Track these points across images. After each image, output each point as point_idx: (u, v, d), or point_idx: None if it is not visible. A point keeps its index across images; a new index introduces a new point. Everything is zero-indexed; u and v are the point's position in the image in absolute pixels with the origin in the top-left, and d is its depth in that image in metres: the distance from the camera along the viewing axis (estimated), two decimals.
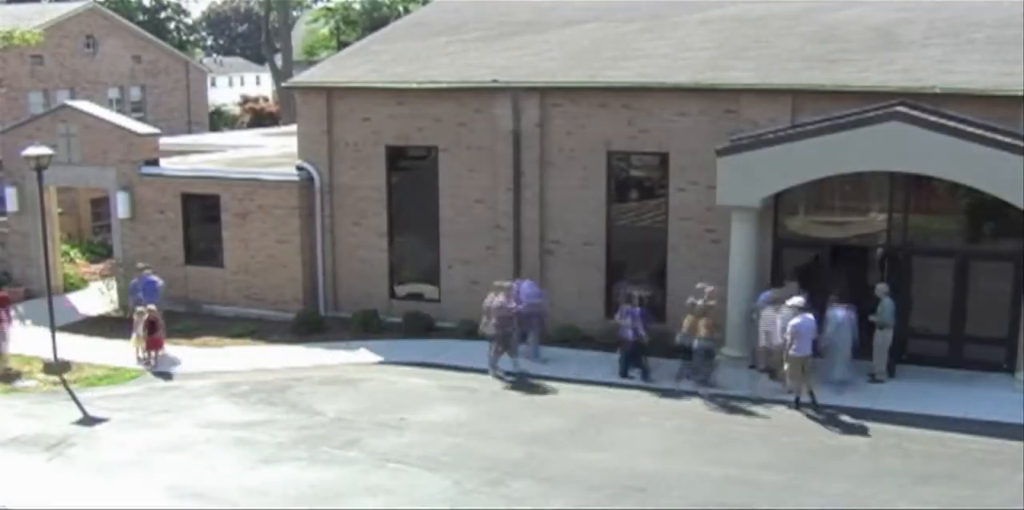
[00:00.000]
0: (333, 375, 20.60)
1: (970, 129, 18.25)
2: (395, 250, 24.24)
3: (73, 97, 40.91)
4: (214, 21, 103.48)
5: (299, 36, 73.24)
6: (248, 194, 24.72)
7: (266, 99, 65.51)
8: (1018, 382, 18.64)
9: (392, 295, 24.28)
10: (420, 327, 23.04)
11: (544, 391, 19.36)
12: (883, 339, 19.13)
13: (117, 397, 19.50)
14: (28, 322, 24.25)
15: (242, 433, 17.27)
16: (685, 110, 21.09)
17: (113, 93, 47.34)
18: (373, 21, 61.17)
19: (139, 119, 36.41)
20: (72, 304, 26.21)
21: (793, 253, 20.92)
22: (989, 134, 18.16)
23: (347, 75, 24.38)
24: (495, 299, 20.24)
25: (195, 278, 25.51)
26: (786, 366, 18.20)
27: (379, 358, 21.51)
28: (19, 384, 20.59)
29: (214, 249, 25.37)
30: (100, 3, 49.72)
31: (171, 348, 22.45)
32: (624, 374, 19.80)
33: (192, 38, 71.25)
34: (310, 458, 16.14)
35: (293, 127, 27.46)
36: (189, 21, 69.40)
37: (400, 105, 23.40)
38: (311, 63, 50.11)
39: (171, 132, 38.49)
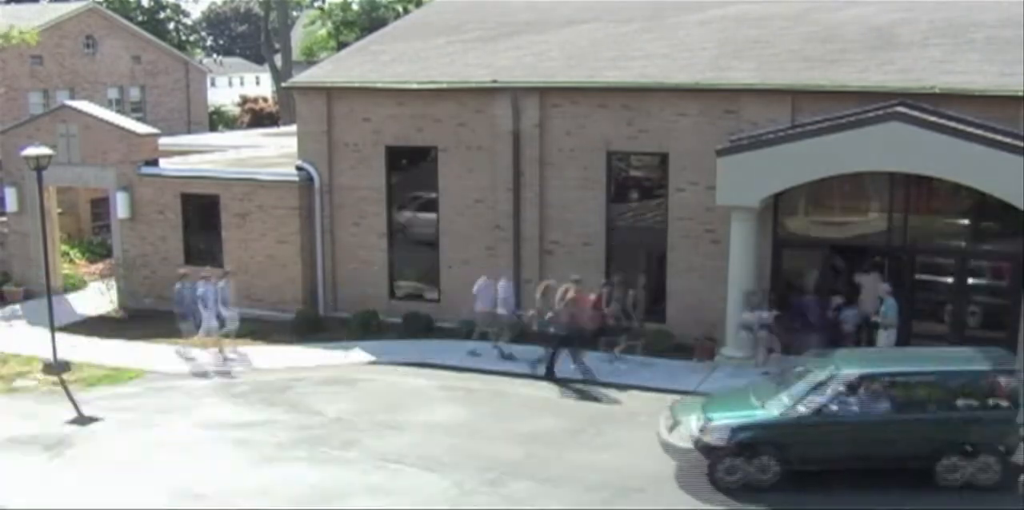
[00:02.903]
0: (333, 375, 20.59)
1: (970, 129, 18.25)
2: (395, 250, 24.24)
3: (73, 97, 40.89)
4: (214, 21, 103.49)
5: (298, 36, 73.15)
6: (247, 194, 24.72)
7: (266, 99, 65.46)
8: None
9: (392, 295, 24.28)
10: (420, 327, 23.03)
11: (544, 391, 19.35)
12: (887, 339, 19.11)
13: (117, 397, 19.49)
14: (26, 322, 24.27)
15: (242, 433, 17.26)
16: (685, 110, 21.09)
17: (113, 93, 47.28)
18: (372, 21, 61.11)
19: (139, 119, 36.39)
20: (72, 304, 26.20)
21: (792, 253, 20.98)
22: (989, 134, 18.16)
23: (347, 75, 24.38)
24: (568, 292, 20.01)
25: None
26: None
27: (379, 358, 21.50)
28: (19, 384, 20.58)
29: (213, 249, 25.35)
30: (99, 3, 49.69)
31: (170, 348, 22.45)
32: None
33: (192, 38, 71.13)
34: (310, 458, 16.13)
35: (293, 127, 27.45)
36: (188, 21, 69.33)
37: (400, 105, 23.40)
38: (310, 63, 50.06)
39: (171, 132, 38.49)
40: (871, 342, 19.30)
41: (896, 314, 19.03)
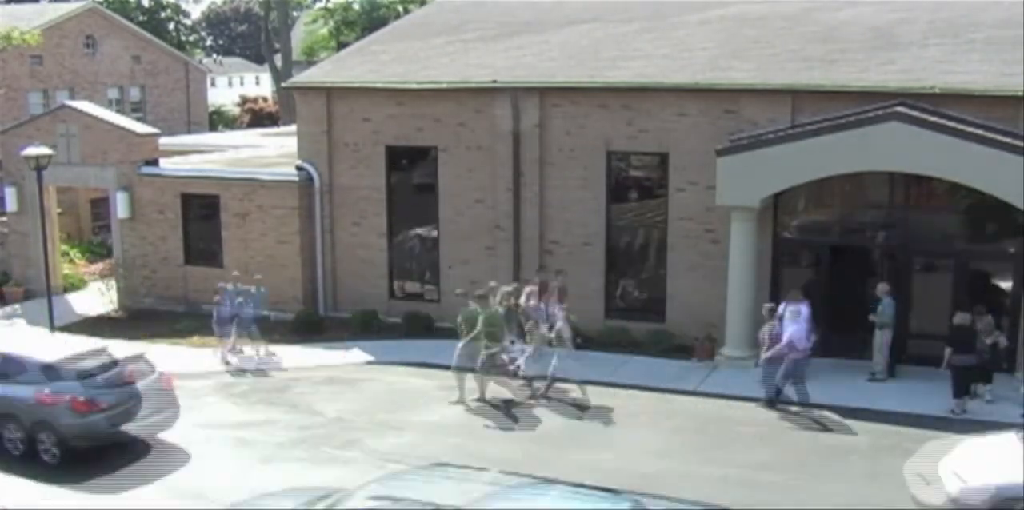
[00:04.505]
0: (333, 375, 20.59)
1: (970, 129, 18.26)
2: (395, 250, 24.25)
3: (73, 97, 40.90)
4: (214, 21, 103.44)
5: (298, 36, 73.18)
6: (247, 194, 24.72)
7: (265, 99, 65.48)
8: (1018, 382, 18.62)
9: (392, 295, 24.28)
10: (420, 327, 23.03)
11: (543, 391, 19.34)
12: (883, 339, 19.14)
13: None
14: (26, 322, 24.25)
15: (242, 433, 17.26)
16: (685, 110, 21.09)
17: (113, 93, 47.32)
18: (372, 21, 61.15)
19: (139, 119, 36.42)
20: (72, 304, 26.19)
21: (792, 253, 21.00)
22: (989, 134, 18.17)
23: (347, 75, 24.38)
24: None
25: (195, 278, 25.49)
26: None
27: (379, 358, 21.50)
28: None
29: (214, 249, 25.37)
30: (99, 3, 49.69)
31: (171, 348, 22.45)
32: None
33: (192, 38, 71.20)
34: (310, 458, 16.13)
35: (293, 127, 27.46)
36: (188, 21, 69.37)
37: (400, 105, 23.40)
38: (311, 63, 50.09)
39: (171, 132, 38.51)
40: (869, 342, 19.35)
41: (893, 314, 19.03)
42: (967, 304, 18.53)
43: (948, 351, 17.72)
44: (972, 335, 17.81)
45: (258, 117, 59.44)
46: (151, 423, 16.30)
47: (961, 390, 17.69)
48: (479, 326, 18.43)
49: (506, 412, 18.31)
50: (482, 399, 18.67)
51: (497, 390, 19.07)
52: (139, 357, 16.95)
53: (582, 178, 22.09)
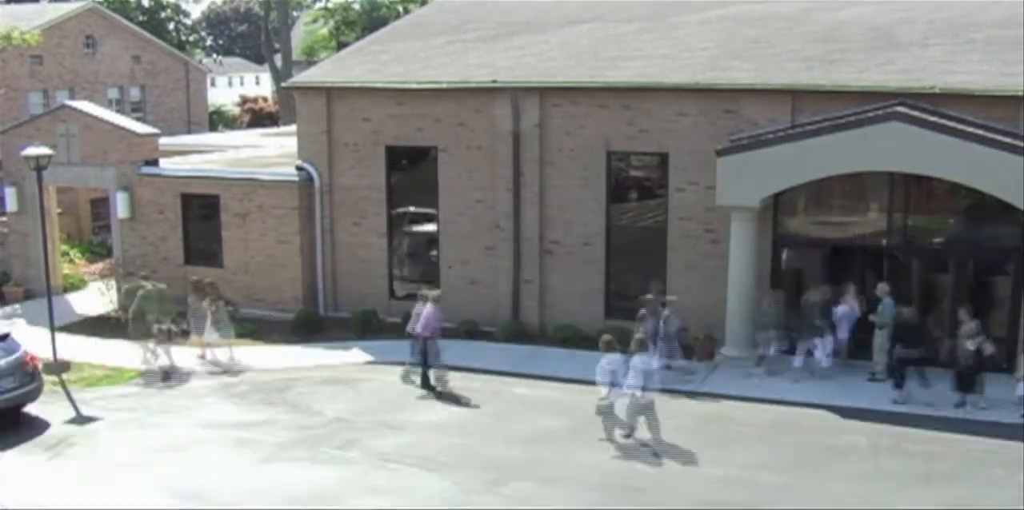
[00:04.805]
0: (333, 375, 20.59)
1: (970, 129, 18.26)
2: (395, 250, 24.25)
3: (72, 97, 40.92)
4: (214, 21, 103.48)
5: (298, 36, 73.19)
6: (247, 194, 24.72)
7: (265, 99, 65.48)
8: (1017, 382, 18.58)
9: (392, 295, 24.28)
10: None
11: (544, 391, 19.35)
12: (883, 339, 19.14)
13: (117, 397, 19.49)
14: (25, 322, 24.27)
15: (242, 433, 17.26)
16: (685, 110, 21.09)
17: (113, 93, 47.33)
18: (372, 21, 61.16)
19: (139, 119, 36.44)
20: (72, 304, 26.18)
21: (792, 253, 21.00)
22: (989, 134, 18.17)
23: (347, 75, 24.38)
24: None
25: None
26: None
27: (379, 358, 21.50)
28: None
29: (214, 249, 25.37)
30: (99, 3, 49.70)
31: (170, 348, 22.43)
32: None
33: (192, 38, 71.18)
34: (310, 458, 16.13)
35: (293, 127, 27.46)
36: (188, 21, 69.36)
37: (400, 105, 23.40)
38: (311, 63, 50.10)
39: (171, 132, 38.52)
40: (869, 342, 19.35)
41: (893, 314, 19.03)
42: (954, 303, 18.61)
43: (898, 346, 18.24)
44: (918, 330, 18.39)
45: (258, 117, 59.46)
46: (15, 396, 17.73)
47: (901, 381, 18.20)
48: (135, 302, 21.16)
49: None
50: (171, 366, 20.96)
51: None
52: (5, 336, 18.58)
53: (582, 178, 22.10)
